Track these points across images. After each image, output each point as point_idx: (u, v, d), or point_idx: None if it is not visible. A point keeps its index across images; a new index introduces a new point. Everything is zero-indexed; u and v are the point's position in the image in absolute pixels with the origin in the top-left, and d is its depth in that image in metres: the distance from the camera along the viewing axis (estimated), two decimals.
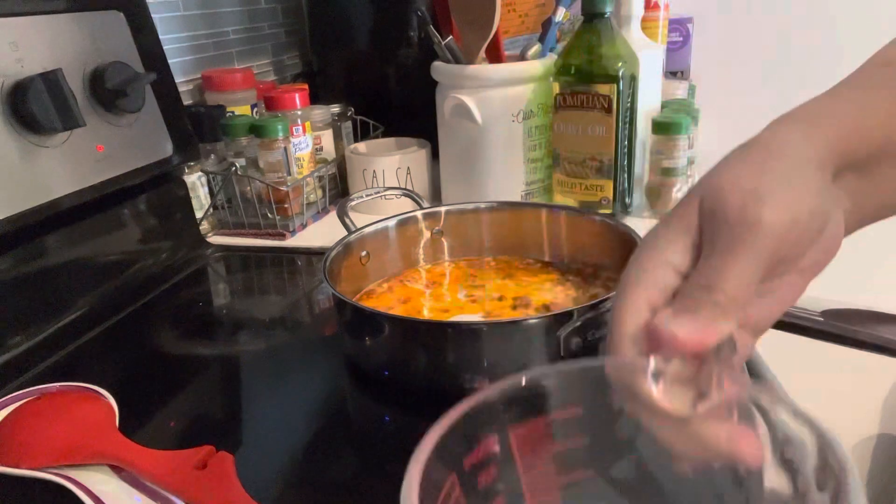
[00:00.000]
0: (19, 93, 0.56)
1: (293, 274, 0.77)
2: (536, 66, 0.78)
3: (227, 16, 1.02)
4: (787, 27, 1.29)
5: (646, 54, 0.78)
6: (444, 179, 0.87)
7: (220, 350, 0.60)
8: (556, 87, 0.76)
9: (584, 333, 0.45)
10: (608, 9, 0.73)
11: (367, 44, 1.04)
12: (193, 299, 0.70)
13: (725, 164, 0.29)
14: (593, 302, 0.46)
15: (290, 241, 0.81)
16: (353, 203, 0.65)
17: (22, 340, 0.57)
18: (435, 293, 0.61)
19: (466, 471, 0.25)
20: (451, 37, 0.79)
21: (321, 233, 0.83)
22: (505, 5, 0.91)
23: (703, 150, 0.98)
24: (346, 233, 0.61)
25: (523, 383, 0.26)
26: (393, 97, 1.05)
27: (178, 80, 0.84)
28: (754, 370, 0.76)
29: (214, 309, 0.70)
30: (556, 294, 0.59)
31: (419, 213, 0.65)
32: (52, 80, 0.56)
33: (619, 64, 0.72)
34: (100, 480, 0.41)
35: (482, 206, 0.67)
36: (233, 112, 0.89)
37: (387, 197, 0.73)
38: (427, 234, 0.66)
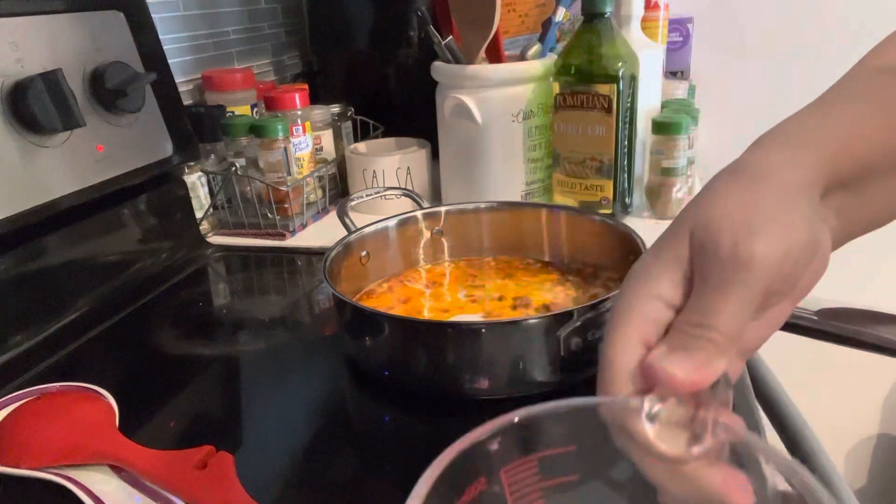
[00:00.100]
0: (19, 93, 0.56)
1: (293, 274, 0.77)
2: (536, 66, 0.78)
3: (227, 16, 1.02)
4: (787, 27, 1.29)
5: (646, 54, 0.78)
6: (444, 179, 0.87)
7: (220, 350, 0.60)
8: (556, 87, 0.76)
9: (584, 333, 0.45)
10: (608, 9, 0.73)
11: (367, 44, 1.04)
12: (193, 299, 0.70)
13: (714, 194, 0.28)
14: (593, 302, 0.46)
15: (290, 241, 0.81)
16: (353, 203, 0.65)
17: (22, 340, 0.57)
18: (435, 293, 0.61)
19: None
20: (451, 37, 0.79)
21: (321, 233, 0.83)
22: (505, 5, 0.91)
23: (703, 150, 0.99)
24: (346, 233, 0.61)
25: (515, 421, 0.26)
26: (393, 97, 1.05)
27: (178, 80, 0.84)
28: (754, 370, 0.75)
29: (214, 309, 0.70)
30: (556, 294, 0.59)
31: (419, 213, 0.65)
32: (52, 80, 0.56)
33: (619, 64, 0.72)
34: (100, 480, 0.41)
35: (482, 206, 0.66)
36: (233, 112, 0.89)
37: (387, 197, 0.73)
38: (427, 234, 0.66)
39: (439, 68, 0.80)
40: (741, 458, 0.24)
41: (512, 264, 0.66)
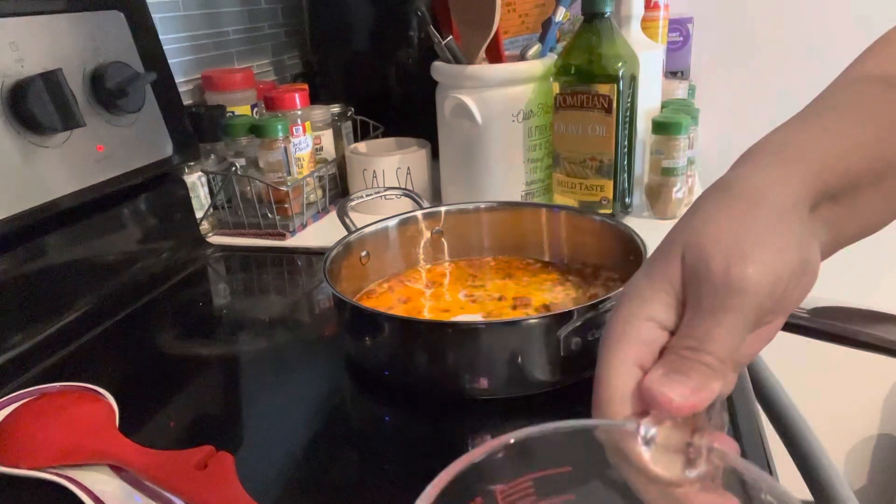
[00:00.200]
0: (19, 93, 0.56)
1: (293, 274, 0.77)
2: (536, 66, 0.78)
3: (227, 16, 1.02)
4: (787, 27, 1.29)
5: (646, 54, 0.78)
6: (444, 179, 0.87)
7: (220, 350, 0.60)
8: (556, 87, 0.76)
9: (584, 333, 0.45)
10: (608, 9, 0.73)
11: (367, 44, 1.04)
12: (193, 299, 0.70)
13: (704, 216, 0.28)
14: (593, 302, 0.46)
15: (290, 241, 0.81)
16: (353, 203, 0.65)
17: (22, 340, 0.57)
18: (435, 293, 0.61)
19: None
20: (451, 37, 0.79)
21: (321, 233, 0.83)
22: (505, 5, 0.91)
23: (703, 150, 0.99)
24: (346, 233, 0.61)
25: (511, 442, 0.26)
26: (393, 97, 1.05)
27: (178, 80, 0.84)
28: (754, 370, 0.75)
29: (214, 309, 0.70)
30: (556, 294, 0.59)
31: (419, 213, 0.65)
32: (52, 80, 0.56)
33: (619, 64, 0.72)
34: (100, 480, 0.41)
35: (482, 206, 0.66)
36: (233, 112, 0.89)
37: (387, 197, 0.73)
38: (427, 234, 0.66)
39: (439, 68, 0.80)
40: (735, 483, 0.25)
41: (512, 264, 0.66)
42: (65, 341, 0.59)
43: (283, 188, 0.80)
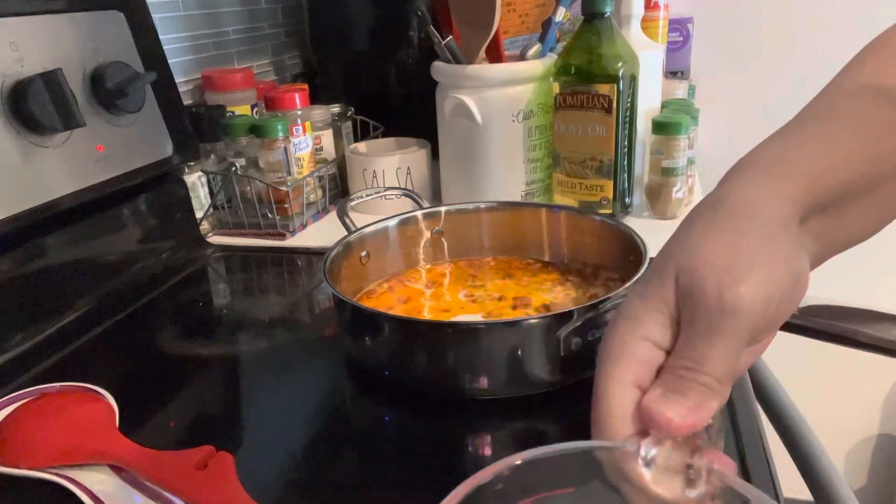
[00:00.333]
0: (19, 93, 0.56)
1: (293, 274, 0.77)
2: (536, 66, 0.78)
3: (227, 16, 1.02)
4: (787, 27, 1.29)
5: (646, 54, 0.78)
6: (444, 179, 0.87)
7: (220, 350, 0.60)
8: (556, 87, 0.76)
9: (584, 333, 0.45)
10: (608, 9, 0.73)
11: (367, 44, 1.04)
12: (193, 299, 0.70)
13: (696, 235, 0.28)
14: (593, 302, 0.46)
15: (290, 241, 0.81)
16: (353, 203, 0.65)
17: (22, 340, 0.57)
18: (435, 293, 0.61)
19: None
20: (451, 37, 0.79)
21: (321, 233, 0.83)
22: (505, 5, 0.91)
23: (703, 150, 0.99)
24: (346, 233, 0.61)
25: (518, 464, 0.26)
26: (393, 97, 1.05)
27: (178, 80, 0.84)
28: (754, 370, 0.75)
29: (214, 309, 0.70)
30: (556, 294, 0.59)
31: (419, 213, 0.65)
32: (52, 80, 0.56)
33: (619, 64, 0.72)
34: (100, 480, 0.41)
35: (482, 206, 0.66)
36: (233, 112, 0.89)
37: (387, 197, 0.73)
38: (427, 234, 0.66)
39: (439, 68, 0.80)
40: (735, 502, 0.25)
41: (512, 264, 0.66)
42: (65, 341, 0.59)
43: (283, 188, 0.80)
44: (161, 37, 0.75)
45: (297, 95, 0.88)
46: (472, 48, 0.78)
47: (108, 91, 0.64)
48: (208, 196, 0.83)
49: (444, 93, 0.80)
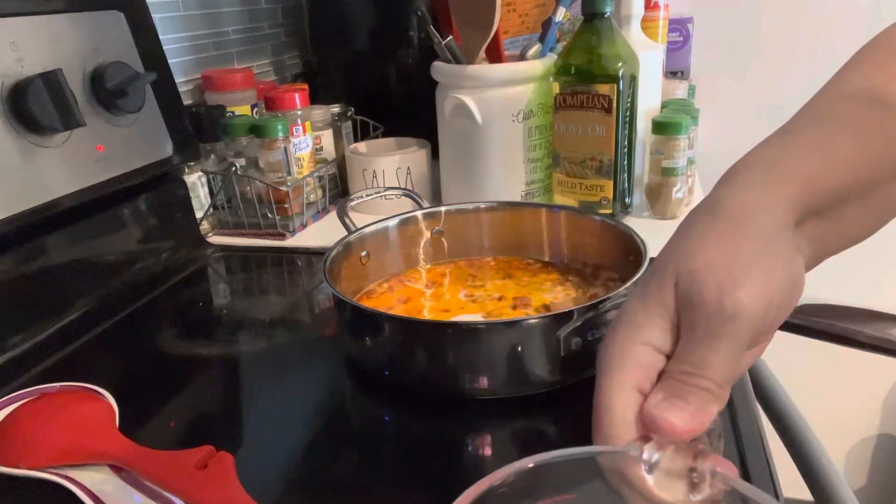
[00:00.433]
0: (19, 93, 0.56)
1: (293, 274, 0.77)
2: (536, 66, 0.78)
3: (227, 16, 1.02)
4: (787, 27, 1.29)
5: (646, 54, 0.78)
6: (444, 179, 0.87)
7: (220, 350, 0.60)
8: (556, 87, 0.76)
9: (584, 333, 0.45)
10: (608, 9, 0.73)
11: (367, 44, 1.04)
12: (193, 299, 0.71)
13: (695, 241, 0.29)
14: (593, 302, 0.46)
15: (290, 241, 0.81)
16: (353, 203, 0.65)
17: (22, 340, 0.57)
18: (435, 293, 0.61)
19: None
20: (451, 37, 0.79)
21: (321, 233, 0.83)
22: (505, 5, 0.91)
23: (703, 150, 0.99)
24: (346, 233, 0.61)
25: (531, 466, 0.26)
26: (393, 97, 1.05)
27: (178, 80, 0.84)
28: (754, 370, 0.75)
29: (214, 309, 0.70)
30: (556, 294, 0.59)
31: (419, 213, 0.65)
32: (52, 80, 0.56)
33: (619, 64, 0.72)
34: (100, 480, 0.41)
35: (482, 206, 0.66)
36: (233, 112, 0.89)
37: (387, 197, 0.73)
38: (427, 234, 0.66)
39: (439, 68, 0.80)
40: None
41: (512, 264, 0.66)
42: (65, 341, 0.59)
43: (283, 188, 0.80)
44: (161, 37, 0.75)
45: (297, 95, 0.88)
46: (472, 48, 0.78)
47: (108, 91, 0.64)
48: (208, 196, 0.83)
49: (444, 93, 0.80)
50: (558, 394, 0.47)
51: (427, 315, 0.57)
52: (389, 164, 0.86)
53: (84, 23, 0.64)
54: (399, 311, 0.58)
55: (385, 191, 0.68)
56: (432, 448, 0.45)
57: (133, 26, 0.70)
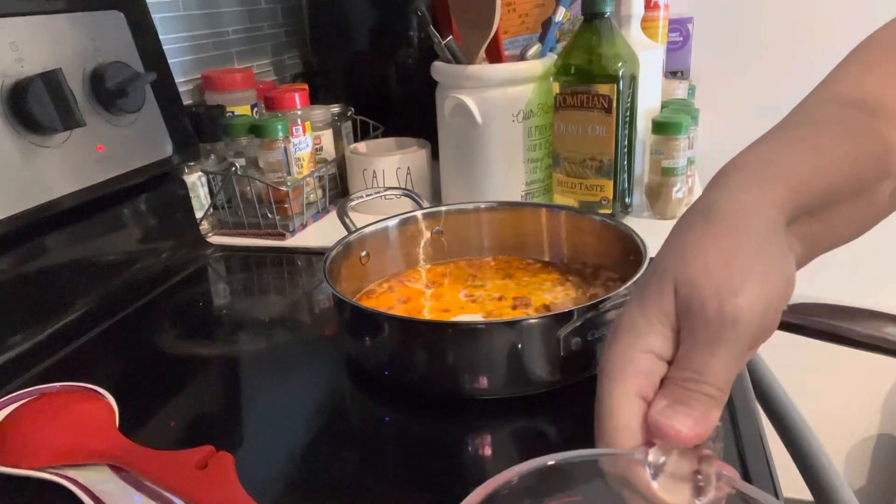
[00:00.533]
0: (19, 93, 0.56)
1: (293, 274, 0.77)
2: (536, 66, 0.78)
3: (227, 16, 1.02)
4: (787, 27, 1.29)
5: (646, 54, 0.78)
6: (444, 179, 0.87)
7: (220, 350, 0.60)
8: (556, 87, 0.76)
9: (584, 333, 0.45)
10: (608, 9, 0.73)
11: (367, 44, 1.04)
12: (193, 299, 0.70)
13: (691, 246, 0.29)
14: (593, 302, 0.46)
15: (290, 241, 0.81)
16: (353, 203, 0.65)
17: (22, 340, 0.57)
18: (435, 293, 0.61)
19: None
20: (451, 37, 0.79)
21: (321, 233, 0.83)
22: (505, 5, 0.91)
23: (703, 150, 0.99)
24: (346, 233, 0.61)
25: (550, 464, 0.26)
26: (393, 97, 1.05)
27: (178, 80, 0.84)
28: (754, 370, 0.75)
29: (214, 309, 0.70)
30: (556, 294, 0.59)
31: (419, 213, 0.65)
32: (52, 80, 0.56)
33: (619, 64, 0.72)
34: (100, 480, 0.41)
35: (482, 206, 0.67)
36: (233, 112, 0.89)
37: (387, 197, 0.73)
38: (427, 234, 0.66)
39: (439, 68, 0.80)
40: None
41: (512, 264, 0.66)
42: (65, 341, 0.59)
43: (283, 188, 0.80)
44: (161, 37, 0.75)
45: (296, 95, 0.88)
46: (472, 48, 0.78)
47: (108, 91, 0.64)
48: (208, 196, 0.83)
49: (444, 93, 0.80)
50: (558, 394, 0.47)
51: (427, 315, 0.57)
52: (389, 164, 0.86)
53: (84, 23, 0.64)
54: (399, 311, 0.58)
55: (385, 191, 0.68)
56: (432, 448, 0.45)
57: (133, 26, 0.70)
